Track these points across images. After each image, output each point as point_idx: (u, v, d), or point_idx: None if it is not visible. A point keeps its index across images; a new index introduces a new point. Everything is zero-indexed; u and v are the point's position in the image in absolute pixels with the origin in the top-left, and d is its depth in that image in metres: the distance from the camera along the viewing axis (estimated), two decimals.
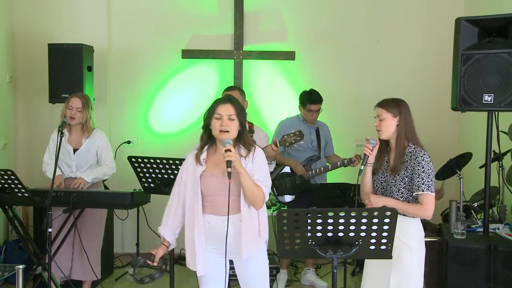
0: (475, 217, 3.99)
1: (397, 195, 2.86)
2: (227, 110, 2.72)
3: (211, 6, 5.47)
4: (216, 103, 2.78)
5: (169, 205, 2.88)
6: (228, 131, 2.70)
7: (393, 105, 2.91)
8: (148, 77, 5.51)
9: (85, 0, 5.35)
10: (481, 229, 3.65)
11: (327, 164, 4.50)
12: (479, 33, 3.54)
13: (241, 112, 2.76)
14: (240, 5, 5.34)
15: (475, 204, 4.09)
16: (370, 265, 2.99)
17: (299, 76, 5.48)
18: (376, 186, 2.97)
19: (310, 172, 4.44)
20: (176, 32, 5.47)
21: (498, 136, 3.79)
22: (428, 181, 2.78)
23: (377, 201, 2.85)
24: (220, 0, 5.46)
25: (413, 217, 2.86)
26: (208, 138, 2.82)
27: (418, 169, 2.79)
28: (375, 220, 2.37)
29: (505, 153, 3.99)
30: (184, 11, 5.48)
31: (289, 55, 5.34)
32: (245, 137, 2.80)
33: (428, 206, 2.80)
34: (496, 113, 3.62)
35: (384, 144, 2.98)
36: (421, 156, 2.82)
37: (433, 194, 2.80)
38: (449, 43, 3.74)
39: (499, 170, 3.99)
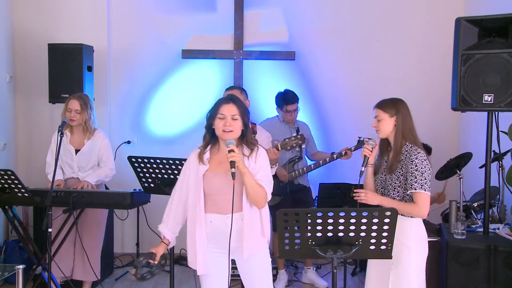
0: (475, 217, 3.99)
1: (393, 193, 2.88)
2: (230, 110, 2.73)
3: (211, 6, 5.48)
4: (219, 103, 2.79)
5: (170, 204, 2.90)
6: (232, 131, 2.72)
7: (390, 105, 2.94)
8: (148, 77, 5.51)
9: (85, 0, 5.35)
10: (481, 229, 3.65)
11: (310, 164, 4.54)
12: (479, 33, 3.53)
13: (244, 112, 2.77)
14: (240, 5, 5.34)
15: (475, 204, 4.09)
16: (372, 266, 2.99)
17: (299, 76, 5.48)
18: (377, 185, 2.99)
19: (293, 173, 4.46)
20: (176, 32, 5.47)
21: (498, 136, 3.79)
22: (421, 180, 2.78)
23: (373, 199, 2.87)
24: (220, 0, 5.46)
25: (411, 217, 2.85)
26: (210, 138, 2.83)
27: (411, 168, 2.80)
28: (375, 220, 2.37)
29: (505, 153, 3.99)
30: (184, 11, 5.48)
31: (289, 55, 5.34)
32: (248, 137, 2.80)
33: (422, 205, 2.78)
34: (496, 113, 3.62)
35: (385, 144, 3.01)
36: (415, 155, 2.82)
37: (427, 193, 2.79)
38: (449, 43, 3.74)
39: (499, 170, 3.99)
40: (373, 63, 5.49)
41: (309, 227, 2.38)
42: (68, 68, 4.79)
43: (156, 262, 2.78)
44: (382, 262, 2.80)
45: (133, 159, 3.47)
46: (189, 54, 5.37)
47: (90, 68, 4.93)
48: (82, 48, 4.81)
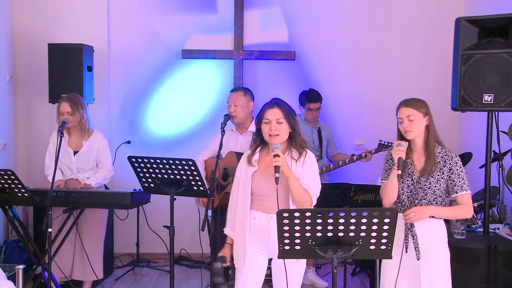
0: (475, 217, 3.99)
1: (432, 197, 2.85)
2: (274, 114, 2.78)
3: (211, 6, 5.48)
4: (264, 108, 2.85)
5: (230, 205, 2.97)
6: (277, 135, 2.77)
7: (421, 104, 2.88)
8: (148, 77, 5.51)
9: (85, 0, 5.35)
10: (481, 229, 3.65)
11: (330, 164, 4.52)
12: (479, 33, 3.54)
13: (289, 115, 2.81)
14: (240, 5, 5.35)
15: (475, 204, 4.08)
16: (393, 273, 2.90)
17: (299, 76, 5.48)
18: (402, 189, 2.90)
19: None
20: (176, 32, 5.47)
21: (498, 136, 3.79)
22: (467, 181, 2.84)
23: (423, 214, 2.81)
24: (220, 0, 5.46)
25: (439, 219, 2.87)
26: (260, 141, 2.89)
27: (457, 170, 2.82)
28: (375, 220, 2.37)
29: (505, 153, 3.99)
30: (184, 11, 5.48)
31: (289, 55, 5.35)
32: (297, 139, 2.84)
33: (470, 205, 2.85)
34: (496, 113, 3.62)
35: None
36: (456, 157, 2.86)
37: (470, 192, 2.85)
38: (449, 43, 3.74)
39: (499, 170, 3.99)
40: (373, 63, 5.49)
41: (309, 227, 2.38)
42: (68, 68, 4.79)
43: (228, 264, 2.88)
44: (409, 267, 2.82)
45: (133, 159, 3.46)
46: (189, 54, 5.37)
47: (90, 68, 4.93)
48: (82, 48, 4.81)
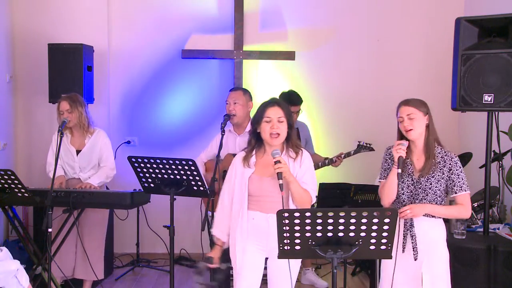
0: (475, 217, 3.99)
1: (432, 197, 2.83)
2: (276, 112, 2.77)
3: (211, 6, 5.48)
4: (265, 106, 2.82)
5: (220, 206, 2.95)
6: (278, 134, 2.76)
7: (421, 103, 2.87)
8: (148, 77, 5.51)
9: (85, 0, 5.35)
10: (481, 229, 3.65)
11: None
12: (479, 33, 3.54)
13: (289, 114, 2.81)
14: (240, 5, 5.35)
15: (475, 204, 4.08)
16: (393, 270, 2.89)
17: (299, 76, 5.48)
18: (402, 190, 2.89)
19: None
20: (176, 32, 5.48)
21: (498, 136, 3.79)
22: (466, 181, 2.83)
23: (420, 211, 2.80)
24: (220, 0, 5.46)
25: (439, 219, 2.85)
26: (256, 142, 2.87)
27: (457, 170, 2.82)
28: (375, 220, 2.37)
29: (505, 153, 3.99)
30: (184, 11, 5.48)
31: (289, 55, 5.34)
32: (293, 139, 2.85)
33: (469, 205, 2.85)
34: (496, 113, 3.62)
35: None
36: (456, 157, 2.85)
37: (469, 192, 2.85)
38: (449, 43, 3.74)
39: (499, 170, 3.99)
40: (373, 63, 5.49)
41: (309, 227, 2.38)
42: (68, 68, 4.79)
43: (215, 265, 2.87)
44: (409, 267, 2.82)
45: (133, 159, 3.46)
46: (189, 54, 5.37)
47: (90, 68, 4.93)
48: (82, 48, 4.81)
